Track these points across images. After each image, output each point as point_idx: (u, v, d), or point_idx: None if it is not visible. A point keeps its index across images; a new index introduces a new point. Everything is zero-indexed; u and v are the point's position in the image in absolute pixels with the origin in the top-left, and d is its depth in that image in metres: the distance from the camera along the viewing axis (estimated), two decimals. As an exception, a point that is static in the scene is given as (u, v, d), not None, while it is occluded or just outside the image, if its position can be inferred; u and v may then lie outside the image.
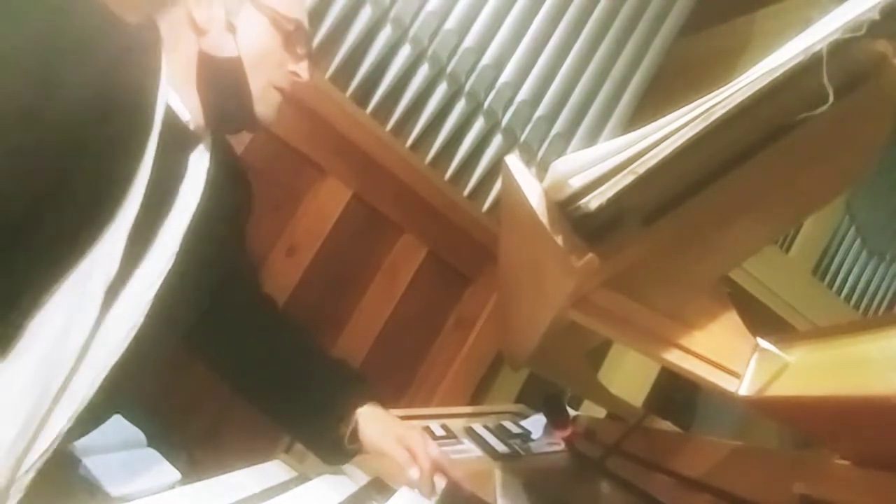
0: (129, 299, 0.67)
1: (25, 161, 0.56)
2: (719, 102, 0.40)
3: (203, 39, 0.73)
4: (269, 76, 0.76)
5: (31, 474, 0.61)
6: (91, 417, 0.67)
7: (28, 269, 0.58)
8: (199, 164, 0.76)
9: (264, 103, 0.77)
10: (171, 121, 0.70)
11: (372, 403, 0.86)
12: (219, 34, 0.73)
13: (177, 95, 0.72)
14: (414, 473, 0.76)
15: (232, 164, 0.87)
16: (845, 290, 2.24)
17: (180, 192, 0.73)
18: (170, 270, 0.71)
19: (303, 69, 0.80)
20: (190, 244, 0.74)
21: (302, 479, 0.78)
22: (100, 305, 0.63)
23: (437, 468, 0.78)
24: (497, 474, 0.80)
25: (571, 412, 1.02)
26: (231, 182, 0.84)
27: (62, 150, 0.58)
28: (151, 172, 0.66)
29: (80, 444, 0.75)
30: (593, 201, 0.45)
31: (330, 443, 0.84)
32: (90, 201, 0.62)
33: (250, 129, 0.83)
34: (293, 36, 0.77)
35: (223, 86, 0.74)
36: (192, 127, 0.74)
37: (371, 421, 0.84)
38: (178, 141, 0.72)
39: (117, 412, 0.82)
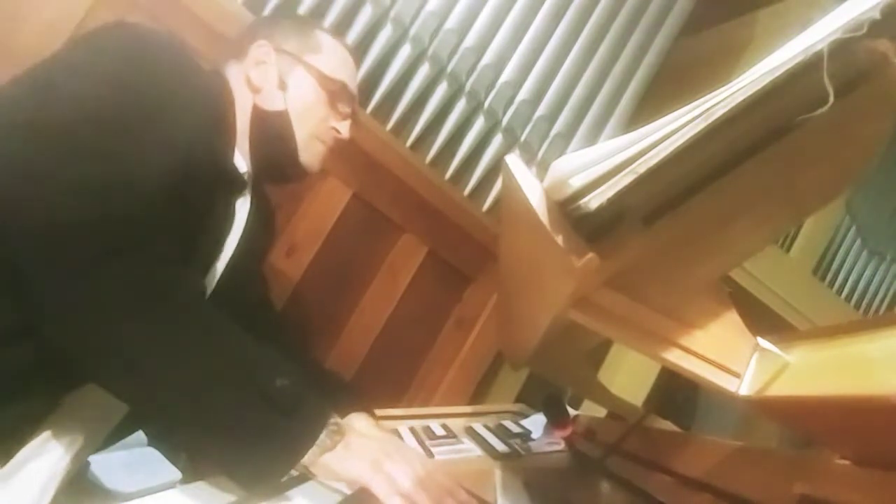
0: None
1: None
2: (719, 102, 0.40)
3: (257, 96, 0.83)
4: (313, 129, 0.86)
5: None
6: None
7: None
8: (241, 210, 0.83)
9: (308, 153, 0.87)
10: (234, 172, 0.79)
11: (361, 413, 0.84)
12: (271, 91, 0.83)
13: (238, 151, 0.80)
14: None
15: (266, 207, 0.95)
16: (845, 290, 2.24)
17: (228, 239, 0.80)
18: None
19: (343, 127, 0.89)
20: (225, 285, 0.80)
21: (302, 478, 0.78)
22: None
23: None
24: (497, 473, 0.80)
25: (571, 412, 1.02)
26: (263, 223, 0.92)
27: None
28: (217, 220, 0.75)
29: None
30: (593, 201, 0.45)
31: None
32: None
33: (296, 177, 0.90)
34: (337, 95, 0.87)
35: (272, 136, 0.83)
36: (247, 177, 0.82)
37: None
38: (233, 190, 0.80)
39: None
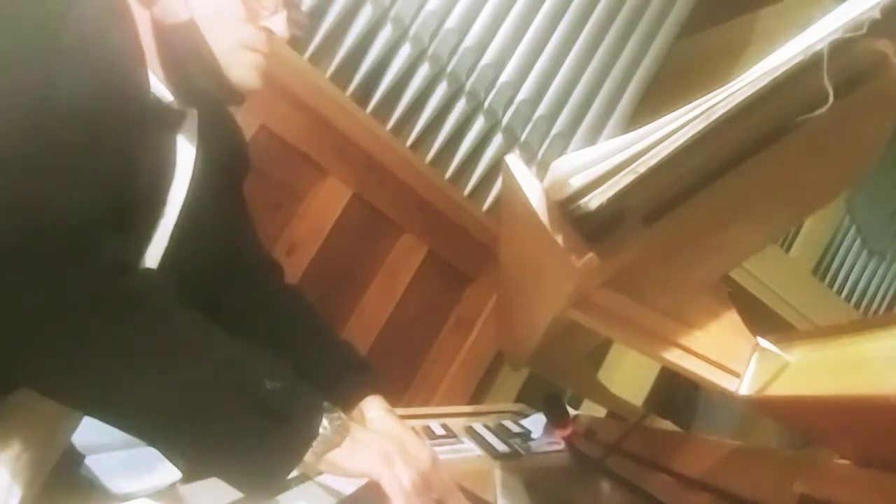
0: None
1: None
2: (719, 102, 0.40)
3: (154, 9, 0.65)
4: (235, 37, 0.66)
5: None
6: None
7: None
8: (185, 149, 0.70)
9: (238, 68, 0.67)
10: (157, 104, 0.65)
11: (376, 397, 0.78)
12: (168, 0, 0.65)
13: (153, 75, 0.66)
14: None
15: (227, 132, 0.80)
16: (845, 290, 2.24)
17: (174, 181, 0.68)
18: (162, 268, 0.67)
19: (277, 23, 0.68)
20: (183, 235, 0.69)
21: (302, 478, 0.78)
22: None
23: None
24: (497, 473, 0.80)
25: (571, 411, 1.02)
26: (223, 155, 0.78)
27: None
28: (149, 167, 0.63)
29: (82, 442, 0.75)
30: (593, 201, 0.45)
31: None
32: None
33: (231, 100, 0.72)
34: None
35: (182, 56, 0.66)
36: (176, 107, 0.68)
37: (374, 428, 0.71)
38: (165, 125, 0.67)
39: None
